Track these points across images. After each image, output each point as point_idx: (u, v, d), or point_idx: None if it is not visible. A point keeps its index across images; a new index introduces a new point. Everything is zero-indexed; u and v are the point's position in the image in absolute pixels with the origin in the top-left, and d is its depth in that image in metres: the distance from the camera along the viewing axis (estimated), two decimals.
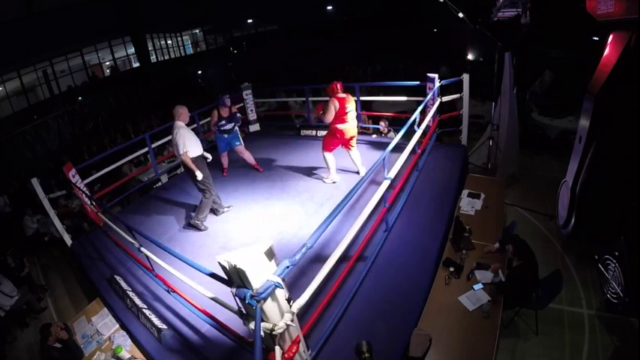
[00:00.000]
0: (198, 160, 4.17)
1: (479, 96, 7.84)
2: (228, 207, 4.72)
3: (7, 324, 4.71)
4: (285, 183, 5.14)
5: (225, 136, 5.31)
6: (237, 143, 5.45)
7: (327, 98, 4.96)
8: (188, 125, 4.13)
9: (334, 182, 4.89)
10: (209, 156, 4.40)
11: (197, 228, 4.39)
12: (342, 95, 4.45)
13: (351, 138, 4.65)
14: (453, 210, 4.17)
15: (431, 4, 7.70)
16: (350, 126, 4.56)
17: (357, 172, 4.93)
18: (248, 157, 5.53)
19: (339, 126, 4.51)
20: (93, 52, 14.53)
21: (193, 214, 4.45)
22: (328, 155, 4.77)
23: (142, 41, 15.54)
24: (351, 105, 4.49)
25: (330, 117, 4.45)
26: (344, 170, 5.07)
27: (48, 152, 10.00)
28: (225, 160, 5.68)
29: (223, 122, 5.19)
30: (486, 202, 4.26)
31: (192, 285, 2.77)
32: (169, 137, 6.13)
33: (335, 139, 4.64)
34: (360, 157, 4.87)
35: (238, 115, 5.34)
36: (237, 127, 5.41)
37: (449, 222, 3.96)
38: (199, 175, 4.09)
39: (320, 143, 4.73)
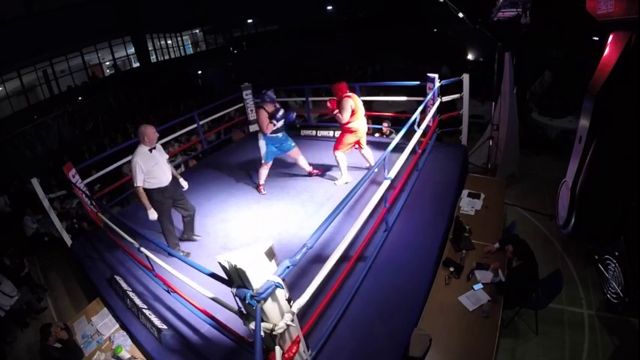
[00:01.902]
0: (155, 193, 3.64)
1: (479, 96, 7.84)
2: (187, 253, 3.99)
3: (7, 324, 4.71)
4: (285, 183, 5.13)
5: (280, 135, 4.60)
6: (292, 145, 4.75)
7: (327, 98, 4.96)
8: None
9: (347, 183, 4.78)
10: (185, 185, 4.00)
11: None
12: (350, 94, 4.46)
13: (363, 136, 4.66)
14: (453, 210, 4.17)
15: (431, 4, 7.71)
16: (363, 124, 4.58)
17: (368, 168, 4.80)
18: (303, 162, 4.96)
19: (354, 124, 4.49)
20: (93, 52, 14.55)
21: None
22: (340, 154, 4.64)
23: (142, 41, 15.56)
24: (360, 103, 4.53)
25: (347, 116, 4.41)
26: (353, 167, 4.97)
27: (48, 152, 10.00)
28: (265, 172, 4.82)
29: (274, 121, 4.44)
30: (486, 202, 4.25)
31: (192, 285, 2.77)
32: (169, 138, 6.24)
33: (350, 139, 4.57)
34: (372, 153, 4.86)
35: (284, 112, 4.48)
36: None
37: (449, 222, 3.96)
38: (152, 216, 3.67)
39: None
